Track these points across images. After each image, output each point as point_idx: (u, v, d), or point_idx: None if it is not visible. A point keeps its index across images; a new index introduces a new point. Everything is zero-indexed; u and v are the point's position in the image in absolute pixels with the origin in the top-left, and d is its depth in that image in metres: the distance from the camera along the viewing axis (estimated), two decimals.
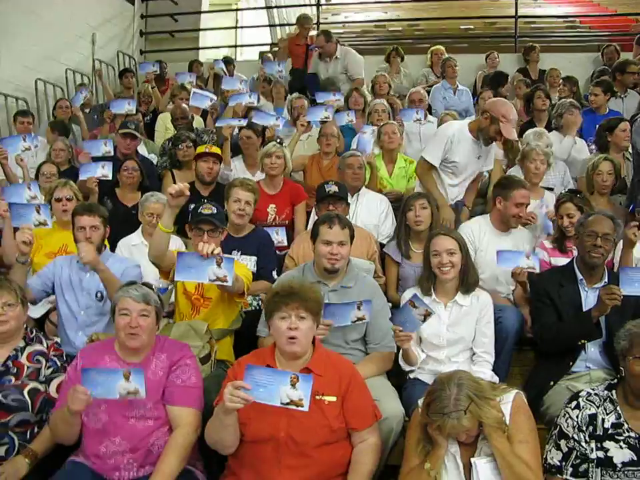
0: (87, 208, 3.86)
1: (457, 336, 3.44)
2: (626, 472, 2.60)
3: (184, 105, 6.41)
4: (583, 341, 3.37)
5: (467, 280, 3.48)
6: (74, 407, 2.64)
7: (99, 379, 2.66)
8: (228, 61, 8.50)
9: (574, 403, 2.73)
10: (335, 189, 4.23)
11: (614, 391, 2.73)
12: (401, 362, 3.45)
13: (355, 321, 3.28)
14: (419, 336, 3.46)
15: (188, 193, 3.17)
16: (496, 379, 3.34)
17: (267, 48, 10.83)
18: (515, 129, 4.49)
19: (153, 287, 3.12)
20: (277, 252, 4.52)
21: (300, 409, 2.48)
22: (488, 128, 4.43)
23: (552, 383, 3.37)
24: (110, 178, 5.05)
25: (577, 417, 2.69)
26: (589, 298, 3.45)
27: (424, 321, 3.20)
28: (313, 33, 8.94)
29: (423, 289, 3.49)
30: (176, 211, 3.25)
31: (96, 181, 5.00)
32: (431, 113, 6.85)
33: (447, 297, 3.48)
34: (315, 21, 9.61)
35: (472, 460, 2.58)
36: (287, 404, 2.48)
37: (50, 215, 4.06)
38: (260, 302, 3.87)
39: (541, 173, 4.77)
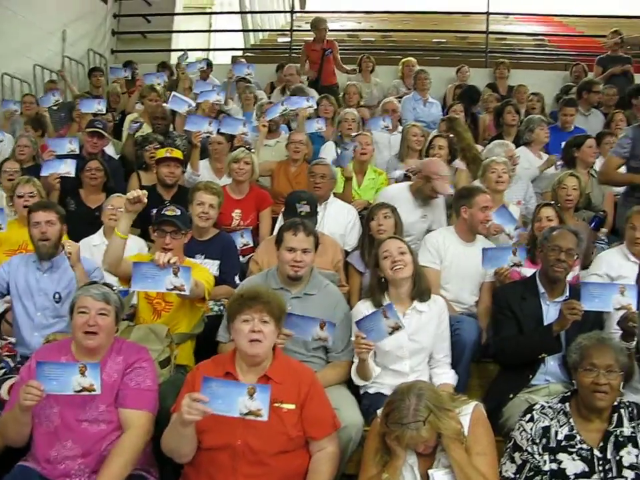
0: (42, 204, 3.82)
1: (419, 345, 3.42)
2: None
3: (166, 106, 6.35)
4: (543, 355, 3.39)
5: (421, 285, 3.45)
6: (26, 403, 2.57)
7: (53, 372, 2.60)
8: (208, 64, 8.45)
9: (528, 416, 2.76)
10: (306, 209, 4.16)
11: (567, 404, 2.76)
12: (353, 376, 3.37)
13: (316, 340, 3.23)
14: (374, 350, 3.33)
15: (145, 200, 3.17)
16: (456, 377, 3.38)
17: (240, 52, 10.80)
18: (448, 183, 4.70)
19: (114, 287, 3.07)
20: (242, 255, 4.52)
21: (259, 419, 2.46)
22: (423, 187, 4.63)
23: (511, 395, 3.38)
24: (72, 175, 4.98)
25: (531, 429, 2.71)
26: (549, 311, 3.48)
27: (391, 333, 3.12)
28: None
29: (375, 301, 3.41)
30: (133, 217, 3.26)
31: (57, 177, 4.93)
32: (401, 124, 6.88)
33: (403, 305, 3.41)
34: (287, 28, 9.63)
35: (429, 472, 2.57)
36: (246, 414, 2.46)
37: (5, 219, 3.99)
38: (222, 307, 3.83)
39: (505, 180, 4.78)
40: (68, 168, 4.95)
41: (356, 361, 3.34)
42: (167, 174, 4.97)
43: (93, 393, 2.64)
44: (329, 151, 5.78)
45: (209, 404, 2.43)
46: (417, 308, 3.43)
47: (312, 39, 8.51)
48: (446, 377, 3.41)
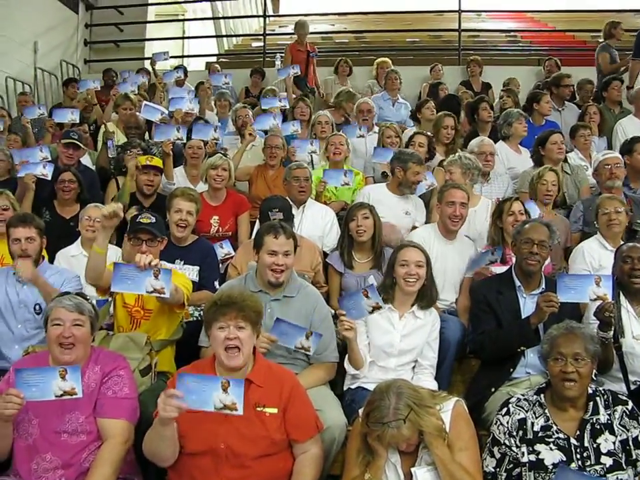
0: (21, 219, 3.78)
1: (409, 347, 3.48)
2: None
3: (139, 115, 6.33)
4: (522, 348, 3.42)
5: (429, 294, 3.53)
6: (6, 412, 2.55)
7: (32, 379, 2.58)
8: (184, 71, 8.45)
9: (504, 410, 2.80)
10: (279, 216, 4.16)
11: (542, 395, 2.80)
12: (346, 365, 3.44)
13: (299, 348, 3.26)
14: (368, 342, 3.47)
15: (122, 215, 3.20)
16: (437, 386, 3.39)
17: (214, 59, 10.78)
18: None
19: (89, 297, 3.06)
20: (223, 263, 4.51)
21: (235, 413, 2.47)
22: (405, 177, 4.77)
23: (493, 389, 3.41)
24: (49, 178, 5.00)
25: (507, 422, 2.75)
26: (527, 304, 3.52)
27: (371, 312, 3.26)
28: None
29: (382, 297, 3.48)
30: (110, 232, 3.26)
31: (34, 178, 4.93)
32: None
33: (403, 308, 3.51)
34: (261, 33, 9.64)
35: (412, 469, 2.59)
36: (221, 409, 2.47)
37: None
38: (202, 312, 3.82)
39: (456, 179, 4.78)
40: (46, 171, 4.99)
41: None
42: (146, 182, 4.97)
43: (75, 396, 2.62)
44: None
45: (184, 399, 2.44)
46: (414, 313, 3.51)
47: (294, 40, 8.66)
48: (428, 385, 3.39)
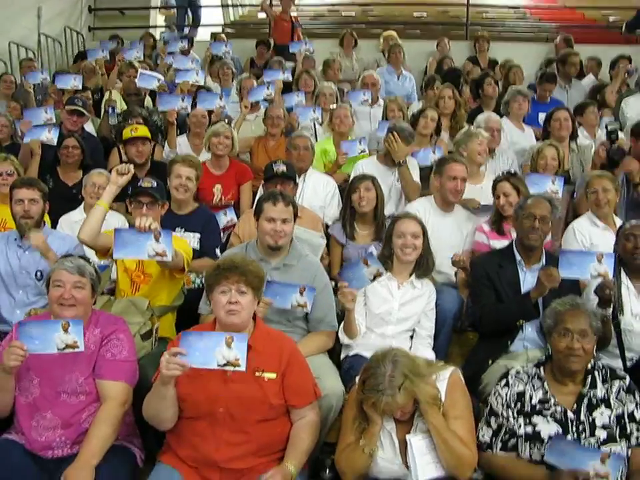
0: (25, 181, 3.79)
1: (407, 315, 3.53)
2: None
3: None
4: (521, 321, 3.44)
5: (426, 264, 3.58)
6: (10, 363, 2.58)
7: (35, 331, 2.61)
8: (189, 41, 8.40)
9: (503, 381, 2.82)
10: (282, 168, 4.22)
11: (542, 368, 2.81)
12: (340, 334, 3.48)
13: (295, 307, 3.28)
14: (365, 310, 3.52)
15: (132, 171, 3.25)
16: (434, 356, 3.43)
17: (220, 29, 10.69)
18: None
19: (91, 260, 3.06)
20: (226, 231, 4.53)
21: (237, 369, 2.50)
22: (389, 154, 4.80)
23: (490, 361, 3.44)
24: (54, 144, 4.99)
25: (506, 394, 2.77)
26: (527, 279, 3.52)
27: (373, 280, 3.31)
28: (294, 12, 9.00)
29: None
30: (117, 190, 3.28)
31: (39, 143, 4.94)
32: None
33: (402, 277, 3.56)
34: (268, 2, 9.56)
35: (407, 437, 2.62)
36: (224, 365, 2.50)
37: None
38: (202, 279, 3.83)
39: (483, 156, 4.79)
40: (51, 136, 4.97)
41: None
42: (135, 153, 4.92)
43: (77, 349, 2.65)
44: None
45: (187, 357, 2.47)
46: (412, 282, 3.56)
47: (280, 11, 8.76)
48: (425, 354, 3.41)
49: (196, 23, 10.54)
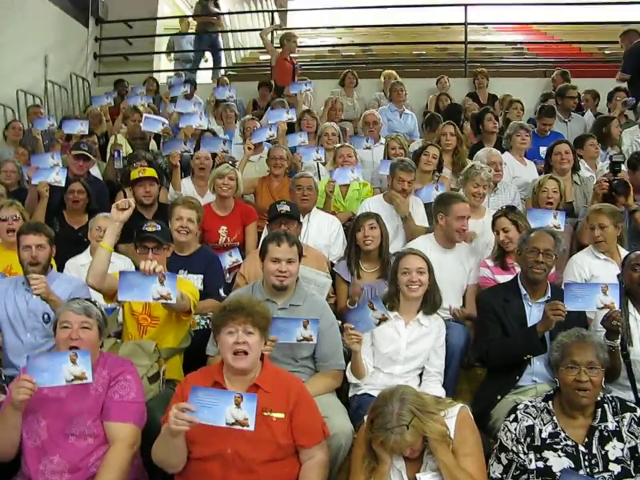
0: (32, 227, 3.82)
1: (414, 354, 3.50)
2: None
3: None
4: (528, 356, 3.42)
5: (433, 300, 3.56)
6: (19, 397, 2.58)
7: (44, 364, 2.62)
8: (193, 84, 8.53)
9: (512, 416, 2.79)
10: (286, 208, 4.25)
11: (550, 402, 2.79)
12: (348, 374, 3.46)
13: (301, 340, 3.28)
14: (372, 350, 3.50)
15: (133, 205, 3.24)
16: (444, 393, 3.40)
17: (222, 71, 10.86)
18: None
19: (97, 303, 3.08)
20: (231, 272, 4.55)
21: (245, 428, 2.48)
22: (392, 184, 4.91)
23: (499, 397, 3.41)
24: (63, 184, 5.06)
25: (515, 429, 2.74)
26: (533, 312, 3.52)
27: (378, 324, 3.27)
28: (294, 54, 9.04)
29: (387, 306, 3.49)
30: (119, 228, 3.28)
31: (47, 185, 5.00)
32: None
33: (409, 316, 3.54)
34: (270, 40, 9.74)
35: (417, 475, 2.59)
36: (233, 424, 2.48)
37: None
38: (208, 321, 3.84)
39: (482, 196, 4.82)
40: (59, 177, 5.05)
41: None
42: (144, 194, 4.99)
43: (85, 381, 2.65)
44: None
45: (196, 414, 2.46)
46: (419, 320, 3.54)
47: (282, 51, 8.75)
48: (435, 391, 3.40)
49: (217, 65, 10.66)
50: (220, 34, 10.79)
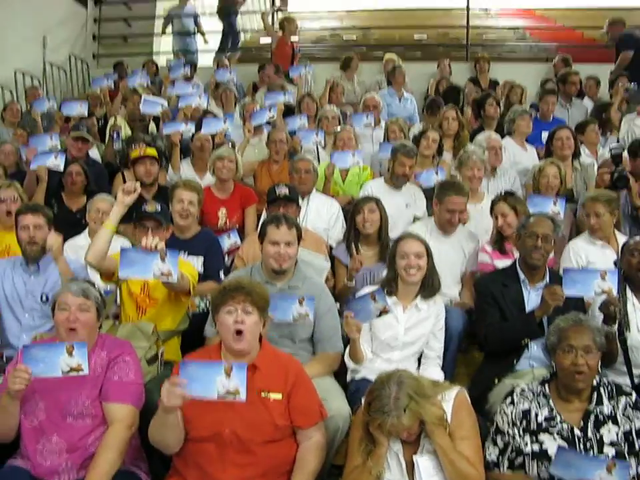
0: (30, 207, 3.82)
1: (412, 339, 3.50)
2: None
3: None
4: (526, 340, 3.43)
5: (431, 284, 3.53)
6: (14, 387, 2.58)
7: (40, 355, 2.61)
8: (193, 67, 8.48)
9: (508, 400, 2.81)
10: (285, 191, 4.24)
11: (547, 386, 2.81)
12: (346, 359, 3.47)
13: (297, 319, 3.26)
14: (370, 336, 3.50)
15: (139, 189, 3.24)
16: (442, 376, 3.42)
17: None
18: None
19: (96, 284, 3.07)
20: (230, 254, 4.55)
21: (237, 399, 2.48)
22: (393, 169, 4.91)
23: (496, 380, 3.43)
24: (61, 170, 5.04)
25: (511, 412, 2.76)
26: (531, 297, 3.53)
27: (379, 316, 3.27)
28: (295, 38, 9.03)
29: (385, 291, 3.49)
30: (124, 210, 3.28)
31: (46, 169, 4.99)
32: None
33: (407, 300, 3.52)
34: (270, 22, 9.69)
35: (414, 457, 2.61)
36: (225, 395, 2.48)
37: None
38: (207, 303, 3.84)
39: (478, 179, 4.83)
40: (58, 162, 5.01)
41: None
42: (144, 173, 4.98)
43: (81, 373, 2.64)
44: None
45: (187, 387, 2.46)
46: (417, 305, 3.52)
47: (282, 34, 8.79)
48: (434, 375, 3.40)
49: (235, 47, 10.58)
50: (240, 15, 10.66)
